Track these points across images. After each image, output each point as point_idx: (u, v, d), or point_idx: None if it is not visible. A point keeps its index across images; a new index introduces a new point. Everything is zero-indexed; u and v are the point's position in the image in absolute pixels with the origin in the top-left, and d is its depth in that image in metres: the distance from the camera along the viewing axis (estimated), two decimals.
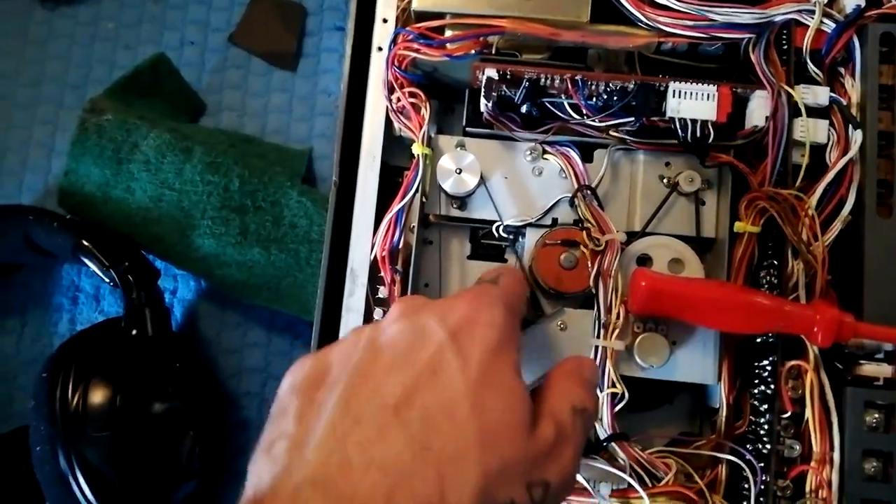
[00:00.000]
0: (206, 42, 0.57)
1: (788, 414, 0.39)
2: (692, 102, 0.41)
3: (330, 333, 0.43)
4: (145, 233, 0.49)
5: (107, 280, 0.47)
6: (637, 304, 0.38)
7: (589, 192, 0.42)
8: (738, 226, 0.41)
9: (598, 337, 0.40)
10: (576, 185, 0.43)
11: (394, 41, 0.44)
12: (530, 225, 0.44)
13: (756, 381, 0.41)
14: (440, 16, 0.43)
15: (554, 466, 0.27)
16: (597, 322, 0.40)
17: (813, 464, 0.38)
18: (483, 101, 0.42)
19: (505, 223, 0.44)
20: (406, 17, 0.45)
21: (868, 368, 0.39)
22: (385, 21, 0.45)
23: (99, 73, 0.56)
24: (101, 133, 0.48)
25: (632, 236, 0.43)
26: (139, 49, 0.56)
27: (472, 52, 0.43)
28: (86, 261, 0.47)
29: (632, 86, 0.42)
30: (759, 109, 0.41)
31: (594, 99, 0.43)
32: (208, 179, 0.48)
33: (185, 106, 0.55)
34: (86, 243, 0.47)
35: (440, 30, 0.43)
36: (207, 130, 0.54)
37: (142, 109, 0.51)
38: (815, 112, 0.42)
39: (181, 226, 0.48)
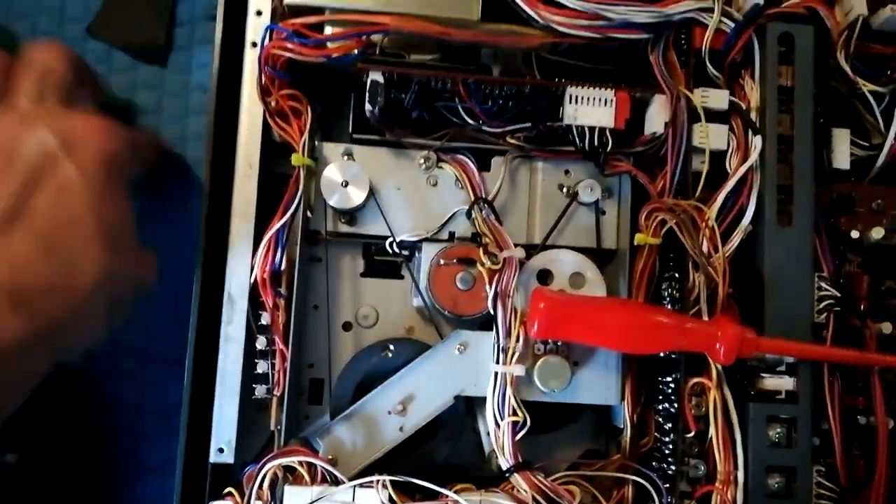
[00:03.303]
0: (62, 34, 0.50)
1: (693, 433, 0.38)
2: (589, 108, 0.39)
3: (207, 367, 0.38)
4: None
5: None
6: (536, 328, 0.35)
7: (485, 205, 0.39)
8: (639, 238, 0.39)
9: (498, 362, 0.37)
10: (472, 197, 0.40)
11: (267, 38, 0.39)
12: (426, 240, 0.41)
13: (660, 398, 0.39)
14: (319, 10, 0.39)
15: None
16: (496, 346, 0.37)
17: (718, 484, 0.37)
18: (368, 106, 0.38)
19: (398, 239, 0.40)
20: (284, 9, 0.41)
21: (770, 382, 0.38)
22: (259, 14, 0.41)
23: None
24: None
25: (532, 249, 0.40)
26: None
27: (355, 52, 0.39)
28: None
29: (527, 90, 0.39)
30: (658, 115, 0.39)
31: (489, 103, 0.40)
32: None
33: None
34: None
35: (319, 26, 0.39)
36: None
37: None
38: (715, 116, 0.40)
39: None
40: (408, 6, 0.38)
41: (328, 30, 0.39)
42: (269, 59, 0.39)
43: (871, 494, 0.39)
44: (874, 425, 0.39)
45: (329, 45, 0.39)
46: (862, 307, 0.40)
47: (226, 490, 0.37)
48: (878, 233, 0.41)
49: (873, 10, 0.41)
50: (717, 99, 0.40)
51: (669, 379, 0.38)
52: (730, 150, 0.40)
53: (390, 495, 0.35)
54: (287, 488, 0.35)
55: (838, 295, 0.39)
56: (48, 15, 0.50)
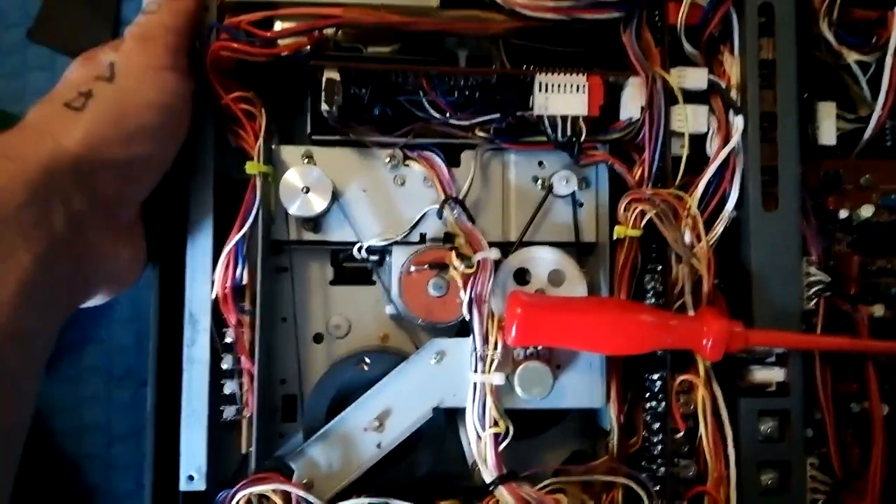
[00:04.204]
0: (0, 41, 0.47)
1: (682, 433, 0.36)
2: (561, 96, 0.36)
3: (170, 392, 0.37)
4: None
5: None
6: (513, 335, 0.33)
7: (456, 204, 0.37)
8: (618, 230, 0.37)
9: (476, 371, 0.35)
10: (442, 195, 0.38)
11: (211, 38, 0.36)
12: (396, 243, 0.39)
13: (647, 395, 0.38)
14: (267, 5, 0.36)
15: None
16: (473, 355, 0.36)
17: (709, 485, 0.36)
18: (324, 106, 0.36)
19: (366, 244, 0.38)
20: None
21: (760, 375, 0.36)
22: (206, 9, 0.38)
23: None
24: None
25: (509, 247, 0.38)
26: None
27: (308, 48, 0.36)
28: None
29: (494, 79, 0.37)
30: (633, 99, 0.37)
31: (455, 94, 0.38)
32: None
33: None
34: None
35: (269, 23, 0.37)
36: None
37: None
38: (693, 97, 0.38)
39: None
40: None
41: (278, 25, 0.37)
42: (216, 61, 0.36)
43: (868, 482, 0.38)
44: (868, 411, 0.38)
45: (279, 42, 0.36)
46: (852, 290, 0.39)
47: None
48: (867, 210, 0.39)
49: None
50: (696, 78, 0.38)
51: (656, 377, 0.37)
52: (710, 133, 0.38)
53: None
54: None
55: (828, 279, 0.38)
56: None
